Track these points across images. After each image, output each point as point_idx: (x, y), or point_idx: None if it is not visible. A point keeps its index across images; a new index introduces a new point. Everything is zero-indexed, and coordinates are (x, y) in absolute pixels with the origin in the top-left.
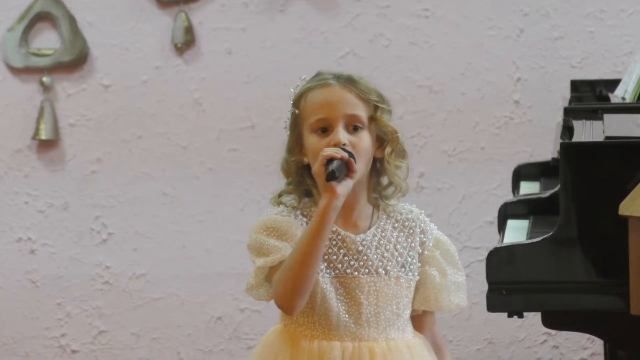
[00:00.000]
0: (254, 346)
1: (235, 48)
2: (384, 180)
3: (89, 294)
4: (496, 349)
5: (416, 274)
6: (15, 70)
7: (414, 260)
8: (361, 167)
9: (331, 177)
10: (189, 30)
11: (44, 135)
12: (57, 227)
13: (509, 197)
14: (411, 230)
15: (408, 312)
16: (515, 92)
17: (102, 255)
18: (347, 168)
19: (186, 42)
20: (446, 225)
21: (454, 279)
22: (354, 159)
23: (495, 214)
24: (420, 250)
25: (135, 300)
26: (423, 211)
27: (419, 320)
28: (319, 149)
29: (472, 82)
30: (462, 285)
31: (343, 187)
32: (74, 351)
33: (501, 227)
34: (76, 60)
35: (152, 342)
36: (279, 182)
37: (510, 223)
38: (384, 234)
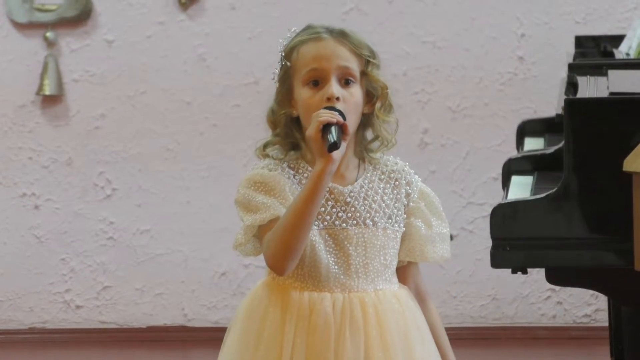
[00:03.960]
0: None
1: (239, 3)
2: (369, 134)
3: (93, 249)
4: (500, 304)
5: (402, 225)
6: (19, 26)
7: (400, 212)
8: (352, 122)
9: (334, 148)
10: None
11: (48, 90)
12: (61, 183)
13: (513, 153)
14: (397, 182)
15: (395, 263)
16: (520, 48)
17: (106, 211)
18: (341, 131)
19: None
20: (450, 182)
21: (438, 230)
22: (344, 118)
23: (500, 170)
24: (406, 202)
25: (139, 256)
26: (407, 163)
27: (403, 271)
28: (312, 103)
29: (476, 38)
30: (447, 237)
31: (338, 152)
32: (78, 306)
33: (505, 183)
34: (80, 15)
35: (156, 297)
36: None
37: (515, 179)
38: (371, 185)
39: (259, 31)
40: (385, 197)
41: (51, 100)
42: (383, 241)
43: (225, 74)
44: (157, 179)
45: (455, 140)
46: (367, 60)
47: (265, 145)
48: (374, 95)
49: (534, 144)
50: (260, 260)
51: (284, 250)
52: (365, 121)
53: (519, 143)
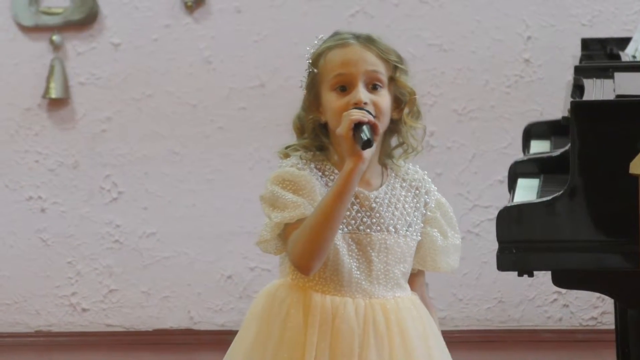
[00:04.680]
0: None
1: (244, 6)
2: (393, 141)
3: (99, 252)
4: (506, 307)
5: (419, 234)
6: (25, 29)
7: (418, 221)
8: (382, 126)
9: (367, 145)
10: None
11: (54, 93)
12: (67, 186)
13: (520, 156)
14: (417, 191)
15: (410, 271)
16: (526, 51)
17: (112, 214)
18: (372, 131)
19: (196, 0)
20: (456, 184)
21: (453, 241)
22: (374, 117)
23: (506, 173)
24: (424, 211)
25: (146, 259)
26: (426, 172)
27: (411, 279)
28: (339, 107)
29: (482, 41)
30: (459, 248)
31: (369, 151)
32: (84, 309)
33: (511, 186)
34: (86, 18)
35: (162, 300)
36: (289, 140)
37: (521, 182)
38: (394, 192)
39: (264, 34)
40: (406, 205)
41: (57, 104)
42: (403, 249)
43: (230, 76)
44: (163, 182)
45: (461, 143)
46: (395, 65)
47: (287, 147)
48: (402, 101)
49: (540, 147)
50: (267, 263)
51: (311, 250)
52: (392, 128)
53: (525, 146)
